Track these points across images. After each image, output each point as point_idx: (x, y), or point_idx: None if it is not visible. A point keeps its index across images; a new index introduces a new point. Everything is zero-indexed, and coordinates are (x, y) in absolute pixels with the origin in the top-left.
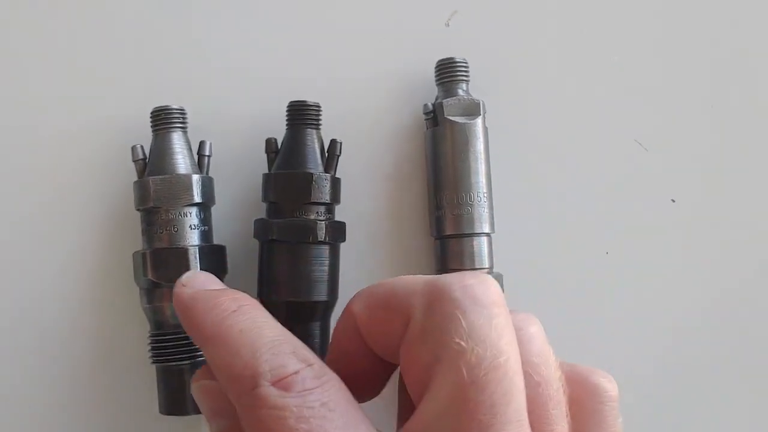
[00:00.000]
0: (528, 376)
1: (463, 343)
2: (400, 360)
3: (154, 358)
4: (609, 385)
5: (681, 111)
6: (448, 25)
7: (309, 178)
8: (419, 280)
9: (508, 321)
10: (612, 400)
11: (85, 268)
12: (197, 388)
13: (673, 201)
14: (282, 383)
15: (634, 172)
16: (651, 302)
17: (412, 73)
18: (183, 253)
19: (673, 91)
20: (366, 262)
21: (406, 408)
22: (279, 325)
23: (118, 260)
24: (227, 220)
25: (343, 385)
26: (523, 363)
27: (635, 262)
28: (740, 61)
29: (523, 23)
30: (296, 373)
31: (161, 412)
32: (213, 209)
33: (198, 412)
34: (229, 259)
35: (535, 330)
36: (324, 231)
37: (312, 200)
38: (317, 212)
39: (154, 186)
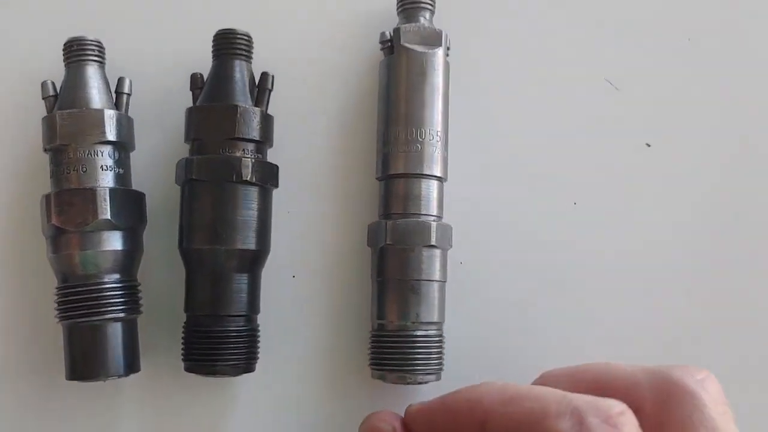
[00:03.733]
0: None
1: None
2: None
3: (61, 315)
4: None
5: (655, 45)
6: None
7: (234, 111)
8: (636, 371)
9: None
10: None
11: None
12: None
13: (648, 145)
14: (610, 421)
15: (604, 114)
16: (622, 255)
17: (365, 3)
18: (90, 194)
19: (647, 24)
20: (302, 211)
21: None
22: None
23: (27, 209)
24: (149, 167)
25: None
26: None
27: (605, 213)
28: None
29: None
30: (621, 413)
31: (67, 377)
32: (133, 156)
33: (111, 375)
34: (149, 209)
35: None
36: (250, 169)
37: (237, 136)
38: (244, 149)
39: (61, 121)
